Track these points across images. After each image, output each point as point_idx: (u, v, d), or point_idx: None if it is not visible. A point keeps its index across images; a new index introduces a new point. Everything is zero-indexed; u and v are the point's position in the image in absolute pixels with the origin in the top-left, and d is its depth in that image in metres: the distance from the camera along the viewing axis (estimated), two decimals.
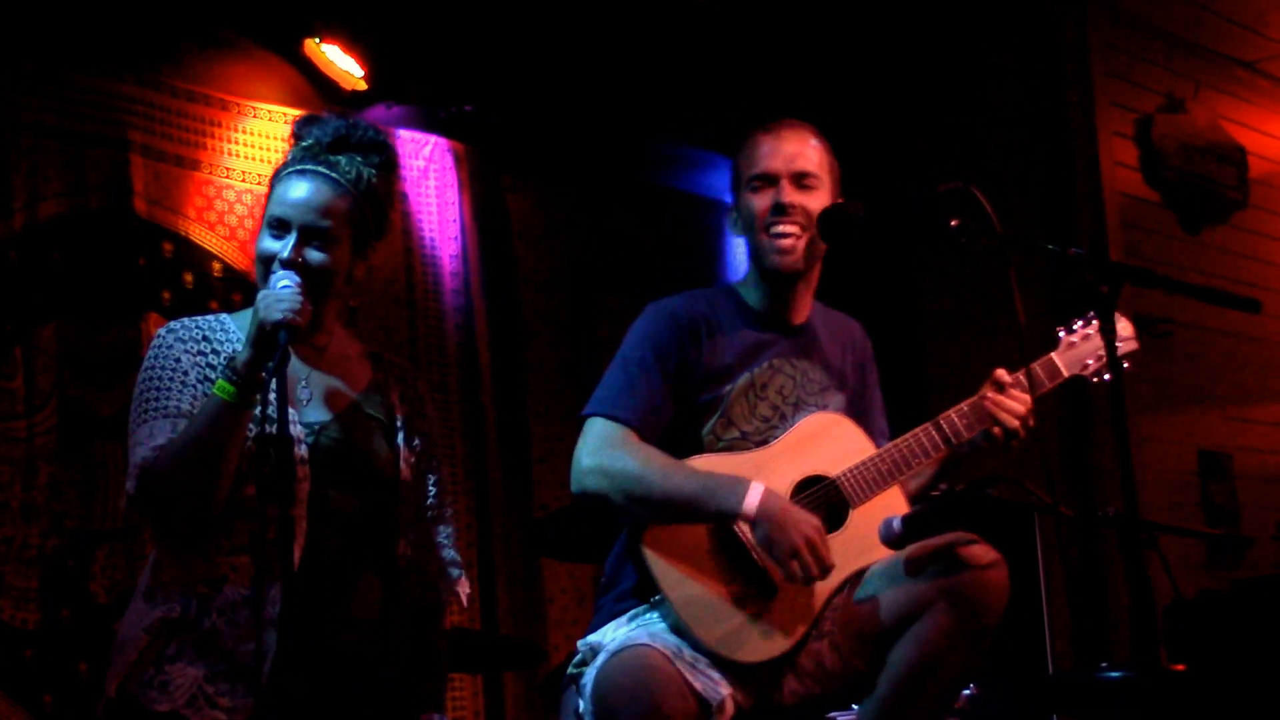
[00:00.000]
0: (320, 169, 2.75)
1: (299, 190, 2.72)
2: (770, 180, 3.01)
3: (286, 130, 2.91)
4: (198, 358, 2.72)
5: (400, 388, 2.93)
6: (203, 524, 2.63)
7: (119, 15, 4.56)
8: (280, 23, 4.93)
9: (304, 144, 2.78)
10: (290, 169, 2.76)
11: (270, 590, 2.59)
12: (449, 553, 2.94)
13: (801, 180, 3.00)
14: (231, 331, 2.79)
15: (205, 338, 2.76)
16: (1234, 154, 6.39)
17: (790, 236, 2.98)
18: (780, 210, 2.98)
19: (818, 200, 3.00)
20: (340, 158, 2.77)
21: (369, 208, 2.79)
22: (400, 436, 2.85)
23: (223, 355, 2.73)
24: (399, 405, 2.89)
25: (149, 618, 2.63)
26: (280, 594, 2.56)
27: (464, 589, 2.95)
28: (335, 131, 2.78)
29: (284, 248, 2.70)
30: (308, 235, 2.71)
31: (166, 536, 2.70)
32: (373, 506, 2.77)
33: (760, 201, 3.01)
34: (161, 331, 2.78)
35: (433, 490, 2.92)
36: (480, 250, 5.41)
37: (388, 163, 2.84)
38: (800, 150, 3.03)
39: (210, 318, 2.82)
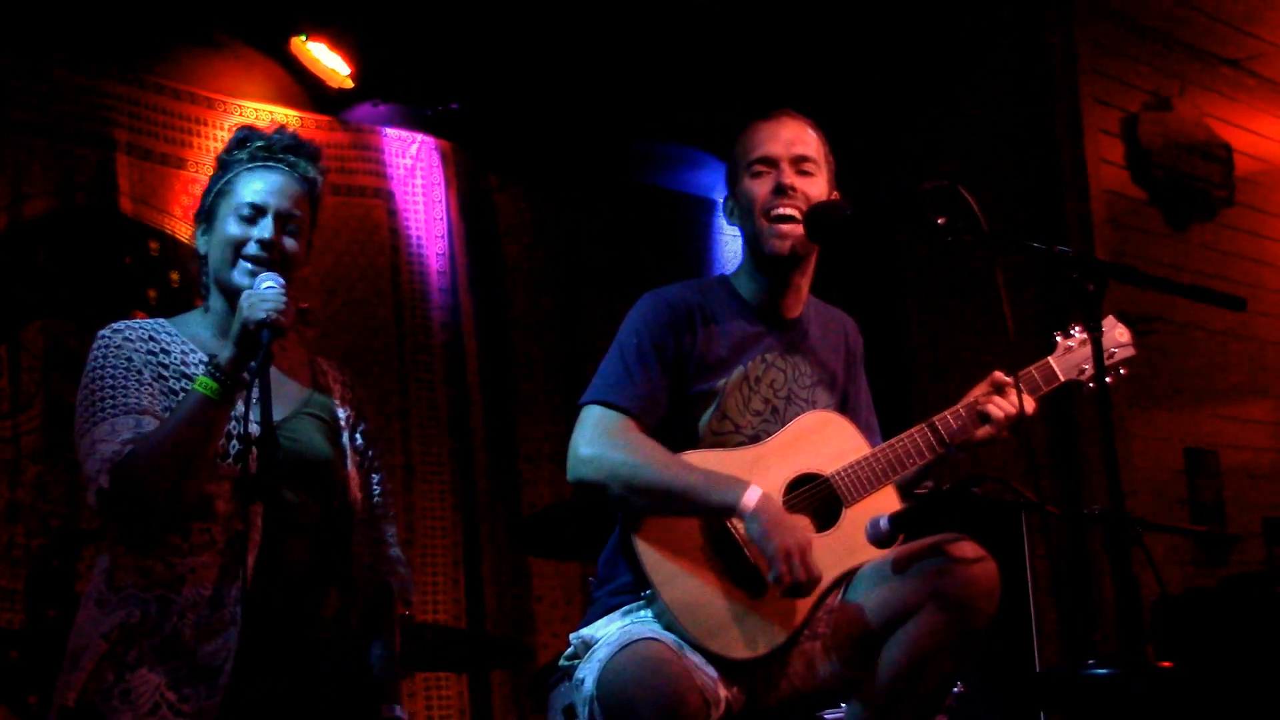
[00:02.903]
0: (283, 165, 2.82)
1: (269, 180, 2.78)
2: (771, 163, 3.00)
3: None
4: (148, 356, 2.72)
5: (339, 387, 2.96)
6: (170, 521, 2.62)
7: (106, 13, 4.56)
8: (267, 21, 4.92)
9: (257, 144, 2.83)
10: (253, 164, 2.80)
11: (230, 590, 2.59)
12: (394, 551, 2.96)
13: (801, 165, 3.01)
14: (174, 334, 2.78)
15: (151, 338, 2.75)
16: (1220, 152, 6.39)
17: (791, 220, 2.97)
18: (781, 191, 2.97)
19: (816, 187, 3.00)
20: (298, 160, 2.84)
21: (317, 210, 2.89)
22: (345, 436, 2.87)
23: (173, 355, 2.73)
24: (340, 404, 2.92)
25: (105, 624, 2.60)
26: (239, 592, 2.56)
27: (410, 587, 2.97)
28: (286, 138, 2.86)
29: (262, 228, 2.73)
30: (282, 221, 2.76)
31: (130, 535, 2.67)
32: (329, 508, 2.79)
33: (760, 186, 3.00)
34: (104, 333, 2.76)
35: (377, 489, 2.94)
36: (467, 249, 5.41)
37: (324, 171, 2.94)
38: (799, 136, 3.04)
39: (149, 320, 2.82)
